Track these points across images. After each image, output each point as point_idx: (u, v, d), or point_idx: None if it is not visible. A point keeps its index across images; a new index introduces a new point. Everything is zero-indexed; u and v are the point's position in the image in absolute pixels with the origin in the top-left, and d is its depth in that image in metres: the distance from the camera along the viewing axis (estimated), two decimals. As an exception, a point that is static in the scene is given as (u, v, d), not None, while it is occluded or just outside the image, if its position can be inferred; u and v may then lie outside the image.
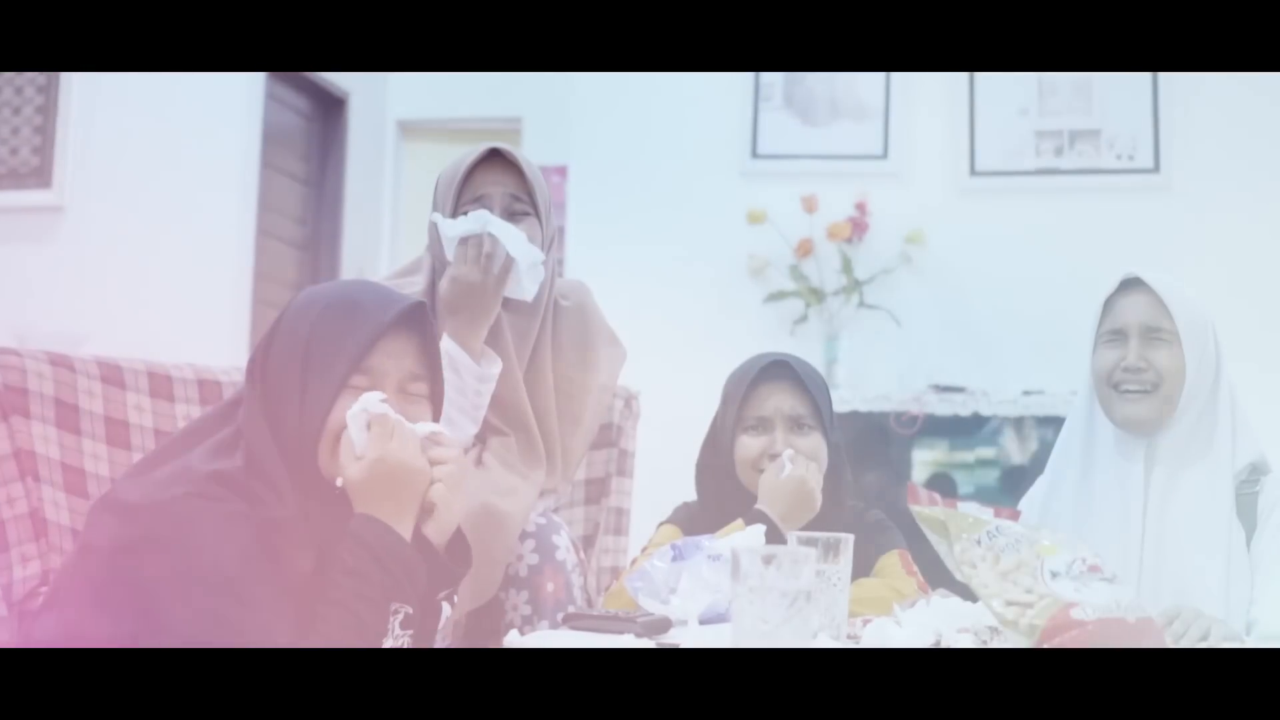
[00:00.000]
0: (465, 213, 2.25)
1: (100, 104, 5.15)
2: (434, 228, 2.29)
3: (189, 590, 1.45)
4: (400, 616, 1.53)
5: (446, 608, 1.66)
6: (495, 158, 2.30)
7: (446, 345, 2.19)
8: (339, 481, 1.57)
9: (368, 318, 1.61)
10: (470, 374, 2.20)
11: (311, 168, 6.38)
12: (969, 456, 4.63)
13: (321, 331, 1.60)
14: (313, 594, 1.54)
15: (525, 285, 2.25)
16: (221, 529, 1.49)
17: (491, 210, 2.25)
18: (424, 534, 1.61)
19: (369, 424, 1.57)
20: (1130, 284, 2.17)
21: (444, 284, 2.21)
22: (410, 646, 1.55)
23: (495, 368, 2.24)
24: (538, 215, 2.30)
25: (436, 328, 1.80)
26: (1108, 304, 2.19)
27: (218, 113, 5.24)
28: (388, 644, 1.51)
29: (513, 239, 2.22)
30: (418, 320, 1.67)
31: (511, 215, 2.27)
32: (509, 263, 2.21)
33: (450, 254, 2.23)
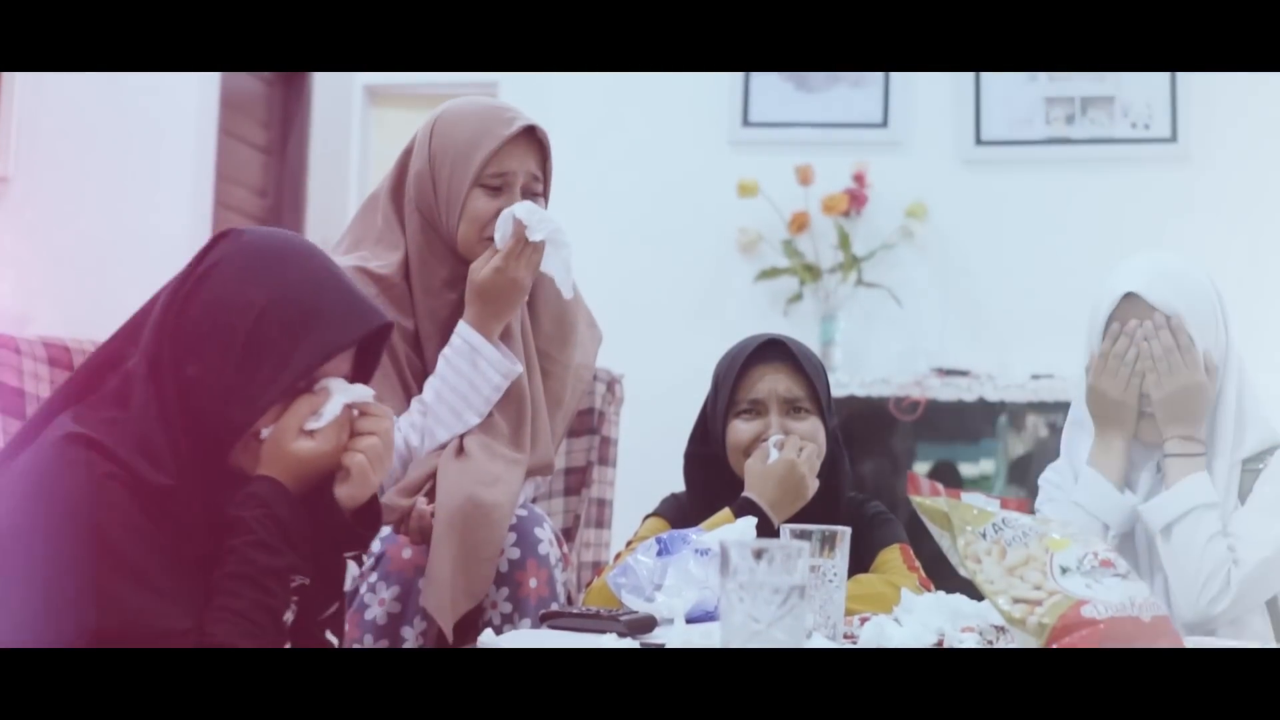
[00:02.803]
0: (485, 185, 2.28)
1: (47, 67, 5.12)
2: (446, 205, 2.30)
3: (72, 571, 1.44)
4: (296, 584, 1.55)
5: (353, 566, 1.70)
6: (521, 133, 2.31)
7: (468, 336, 2.25)
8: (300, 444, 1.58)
9: (326, 334, 1.60)
10: (495, 366, 2.25)
11: (273, 136, 6.34)
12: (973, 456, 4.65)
13: (270, 330, 1.57)
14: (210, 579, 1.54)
15: None
16: (98, 496, 1.47)
17: (513, 189, 2.29)
18: (333, 494, 1.62)
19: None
20: (1131, 300, 2.12)
21: (485, 271, 2.24)
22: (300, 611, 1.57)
23: (518, 367, 2.30)
24: (546, 196, 2.37)
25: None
26: (1109, 322, 2.14)
27: (173, 77, 5.20)
28: (288, 617, 1.54)
29: (566, 259, 2.30)
30: (378, 345, 1.71)
31: (528, 196, 2.31)
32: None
33: (499, 238, 2.25)
